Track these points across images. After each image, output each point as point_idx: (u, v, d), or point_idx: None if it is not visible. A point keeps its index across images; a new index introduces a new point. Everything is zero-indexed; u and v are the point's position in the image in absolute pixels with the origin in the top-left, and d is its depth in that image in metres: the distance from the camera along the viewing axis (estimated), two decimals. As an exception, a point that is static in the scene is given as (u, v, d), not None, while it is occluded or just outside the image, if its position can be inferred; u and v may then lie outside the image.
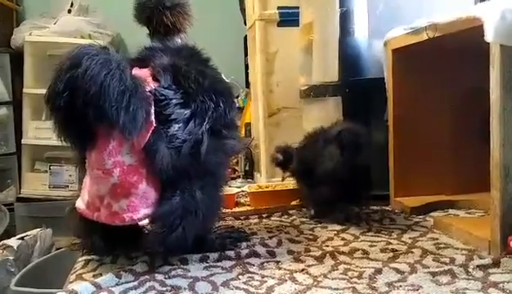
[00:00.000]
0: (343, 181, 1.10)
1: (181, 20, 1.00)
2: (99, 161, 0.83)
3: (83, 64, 0.76)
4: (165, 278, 0.83)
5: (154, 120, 0.84)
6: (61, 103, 0.78)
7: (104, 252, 0.94)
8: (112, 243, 0.93)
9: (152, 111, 0.84)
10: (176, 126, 0.85)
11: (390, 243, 0.97)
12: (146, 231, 0.92)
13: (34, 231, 2.39)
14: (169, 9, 0.99)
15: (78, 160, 0.92)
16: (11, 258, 2.15)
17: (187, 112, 0.87)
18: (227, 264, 0.89)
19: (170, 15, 0.99)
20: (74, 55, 0.78)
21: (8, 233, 2.67)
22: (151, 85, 0.87)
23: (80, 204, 0.88)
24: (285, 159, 1.29)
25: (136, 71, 0.89)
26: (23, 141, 3.04)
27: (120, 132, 0.80)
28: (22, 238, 2.29)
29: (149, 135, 0.83)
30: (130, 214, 0.84)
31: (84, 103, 0.77)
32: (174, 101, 0.87)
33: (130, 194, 0.83)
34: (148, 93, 0.84)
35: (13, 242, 2.24)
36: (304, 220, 1.20)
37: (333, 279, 0.81)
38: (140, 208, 0.84)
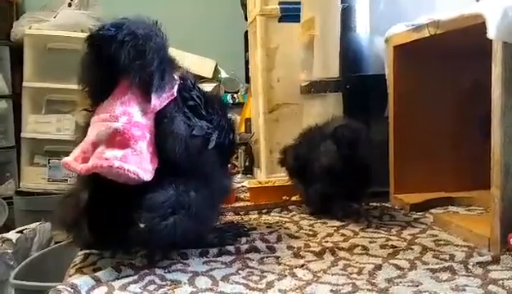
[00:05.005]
0: (339, 177, 1.09)
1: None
2: (110, 106, 0.83)
3: (126, 23, 0.82)
4: (165, 272, 0.83)
5: (175, 94, 0.87)
6: (107, 35, 0.80)
7: (93, 244, 0.92)
8: (100, 234, 0.89)
9: (176, 87, 0.87)
10: (192, 109, 0.89)
11: (390, 240, 0.98)
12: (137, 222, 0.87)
13: (33, 225, 2.40)
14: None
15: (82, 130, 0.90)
16: (10, 251, 2.16)
17: (203, 112, 0.91)
18: (227, 259, 0.89)
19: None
20: (116, 21, 0.83)
21: (7, 227, 2.68)
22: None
23: (67, 159, 0.84)
24: (284, 157, 1.30)
25: None
26: (22, 135, 3.03)
27: (145, 84, 0.82)
28: (21, 232, 2.30)
29: (166, 102, 0.85)
30: (121, 163, 0.80)
31: (128, 41, 0.80)
32: (195, 93, 0.91)
33: (127, 146, 0.81)
34: (176, 76, 0.89)
35: (12, 235, 2.25)
36: (304, 215, 1.20)
37: (333, 275, 0.81)
38: (132, 163, 0.81)
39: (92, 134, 0.84)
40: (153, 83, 0.82)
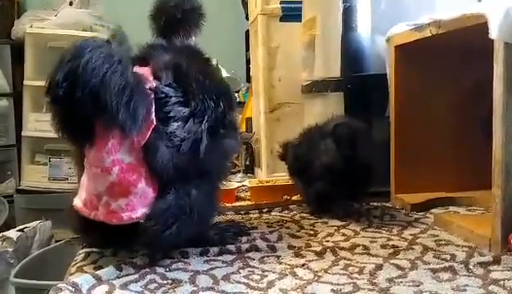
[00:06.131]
0: (339, 176, 1.09)
1: (191, 31, 1.00)
2: (97, 158, 0.82)
3: (84, 56, 0.75)
4: (166, 271, 0.83)
5: (154, 118, 0.83)
6: (60, 93, 0.76)
7: (102, 248, 0.94)
8: (110, 241, 0.92)
9: (153, 109, 0.83)
10: (175, 125, 0.84)
11: (391, 239, 0.98)
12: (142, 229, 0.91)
13: (34, 223, 2.40)
14: (181, 22, 0.99)
15: (76, 157, 0.91)
16: (11, 250, 2.16)
17: (187, 110, 0.86)
18: (228, 258, 0.89)
19: (181, 28, 1.00)
20: (76, 47, 0.77)
21: (8, 225, 2.68)
22: (152, 82, 0.86)
23: (78, 202, 0.87)
24: (284, 153, 1.30)
25: (137, 69, 0.88)
26: (23, 133, 3.04)
27: (120, 129, 0.79)
28: (21, 230, 2.29)
29: (149, 133, 0.82)
30: (129, 213, 0.83)
31: (84, 95, 0.75)
32: (174, 99, 0.86)
33: (129, 193, 0.82)
34: (149, 90, 0.84)
35: (12, 233, 2.25)
36: (305, 215, 1.20)
37: (333, 275, 0.81)
38: (138, 207, 0.83)
39: (91, 186, 0.84)
40: (123, 124, 0.77)
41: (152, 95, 0.84)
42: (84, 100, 0.75)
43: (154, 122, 0.83)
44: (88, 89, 0.74)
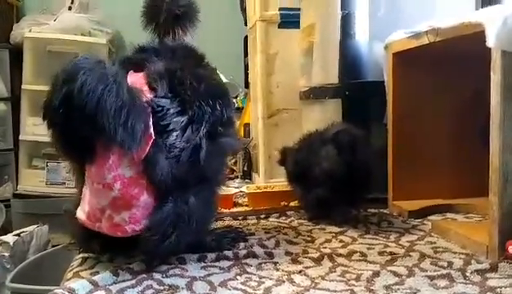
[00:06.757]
0: (339, 183, 1.10)
1: (188, 28, 1.00)
2: (99, 175, 0.82)
3: (78, 80, 0.74)
4: (163, 277, 0.83)
5: (152, 132, 0.83)
6: (58, 119, 0.77)
7: (101, 254, 0.93)
8: (110, 249, 0.92)
9: (150, 123, 0.83)
10: (174, 136, 0.84)
11: (388, 246, 0.98)
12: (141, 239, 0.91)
13: (31, 228, 2.39)
14: (179, 18, 1.00)
15: (75, 173, 0.91)
16: (7, 254, 2.15)
17: (184, 119, 0.86)
18: (225, 264, 0.89)
19: (179, 25, 1.00)
20: (70, 70, 0.77)
21: (4, 230, 2.67)
22: (148, 95, 0.85)
23: (81, 214, 0.87)
24: (283, 158, 1.30)
25: (131, 76, 0.88)
26: (20, 137, 3.03)
27: (119, 147, 0.79)
28: (18, 235, 2.28)
29: (148, 147, 0.82)
30: (132, 226, 0.83)
31: (81, 119, 0.75)
32: (171, 110, 0.85)
33: (131, 206, 0.83)
34: (145, 104, 0.83)
35: (9, 238, 2.24)
36: (302, 221, 1.20)
37: (331, 281, 0.81)
38: (141, 219, 0.83)
39: (93, 201, 0.84)
40: (122, 143, 0.77)
41: (149, 109, 0.84)
42: (82, 123, 0.76)
43: (153, 136, 0.83)
44: (85, 113, 0.74)
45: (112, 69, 0.79)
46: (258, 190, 1.40)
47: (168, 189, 0.84)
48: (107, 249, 0.91)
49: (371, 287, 0.78)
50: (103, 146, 0.81)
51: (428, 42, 1.06)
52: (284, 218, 1.23)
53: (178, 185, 0.84)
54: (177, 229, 0.83)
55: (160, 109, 0.85)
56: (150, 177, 0.83)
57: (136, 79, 0.88)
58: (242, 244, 0.99)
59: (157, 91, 0.86)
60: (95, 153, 0.82)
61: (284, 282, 0.81)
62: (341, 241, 1.03)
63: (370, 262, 0.89)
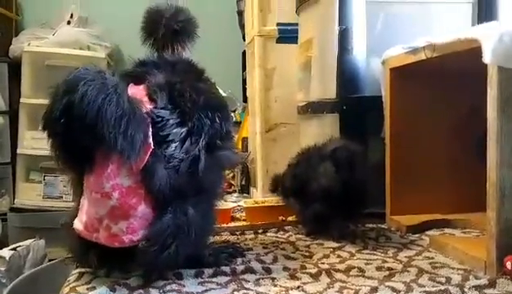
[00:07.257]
0: (337, 198, 1.10)
1: (187, 43, 1.01)
2: (97, 184, 0.82)
3: (79, 90, 0.75)
4: (160, 292, 0.83)
5: (152, 142, 0.83)
6: (58, 129, 0.78)
7: (98, 269, 0.93)
8: (108, 262, 0.91)
9: (150, 133, 0.83)
10: (173, 146, 0.85)
11: (386, 262, 0.97)
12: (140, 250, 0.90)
13: (27, 242, 2.38)
14: (178, 33, 1.00)
15: (74, 183, 0.91)
16: (3, 269, 2.14)
17: (184, 131, 0.87)
18: (222, 279, 0.89)
19: (177, 40, 1.01)
20: (70, 80, 0.78)
21: (1, 243, 2.65)
22: (147, 106, 0.86)
23: (78, 225, 0.86)
24: (275, 186, 1.31)
25: (131, 88, 0.89)
26: (18, 151, 3.03)
27: (119, 156, 0.79)
28: (14, 249, 2.28)
29: (147, 157, 0.82)
30: (130, 236, 0.83)
31: (81, 129, 0.76)
32: (171, 121, 0.86)
33: (129, 216, 0.83)
34: (145, 115, 0.84)
35: (5, 252, 2.23)
36: (300, 236, 1.19)
37: (328, 297, 0.80)
38: (139, 230, 0.83)
39: (91, 210, 0.84)
40: (121, 153, 0.78)
41: (149, 120, 0.84)
42: (82, 133, 0.77)
43: (152, 146, 0.83)
44: (85, 122, 0.75)
45: (112, 80, 0.80)
46: (256, 205, 1.40)
47: (166, 200, 0.84)
48: (104, 261, 0.90)
49: (369, 303, 0.77)
50: (102, 155, 0.81)
51: (425, 57, 1.07)
52: (282, 233, 1.23)
53: (177, 196, 0.84)
54: (176, 240, 0.83)
55: (160, 119, 0.86)
56: (148, 187, 0.83)
57: (136, 91, 0.89)
58: (240, 259, 0.98)
59: (157, 102, 0.87)
60: (94, 162, 0.82)
61: (281, 297, 0.81)
62: (339, 256, 1.02)
63: (368, 278, 0.89)
